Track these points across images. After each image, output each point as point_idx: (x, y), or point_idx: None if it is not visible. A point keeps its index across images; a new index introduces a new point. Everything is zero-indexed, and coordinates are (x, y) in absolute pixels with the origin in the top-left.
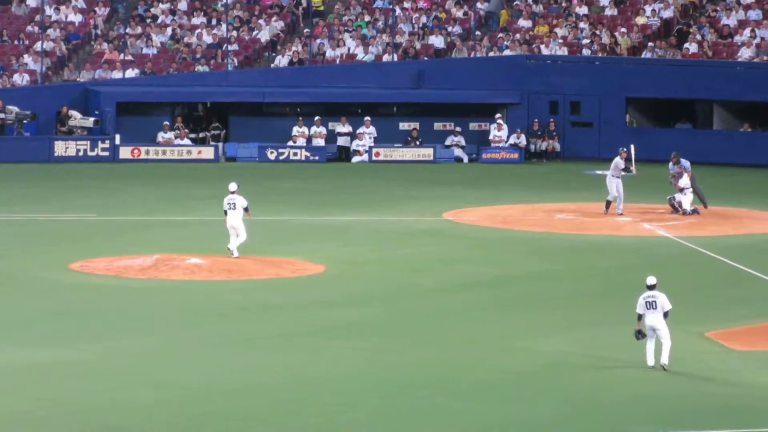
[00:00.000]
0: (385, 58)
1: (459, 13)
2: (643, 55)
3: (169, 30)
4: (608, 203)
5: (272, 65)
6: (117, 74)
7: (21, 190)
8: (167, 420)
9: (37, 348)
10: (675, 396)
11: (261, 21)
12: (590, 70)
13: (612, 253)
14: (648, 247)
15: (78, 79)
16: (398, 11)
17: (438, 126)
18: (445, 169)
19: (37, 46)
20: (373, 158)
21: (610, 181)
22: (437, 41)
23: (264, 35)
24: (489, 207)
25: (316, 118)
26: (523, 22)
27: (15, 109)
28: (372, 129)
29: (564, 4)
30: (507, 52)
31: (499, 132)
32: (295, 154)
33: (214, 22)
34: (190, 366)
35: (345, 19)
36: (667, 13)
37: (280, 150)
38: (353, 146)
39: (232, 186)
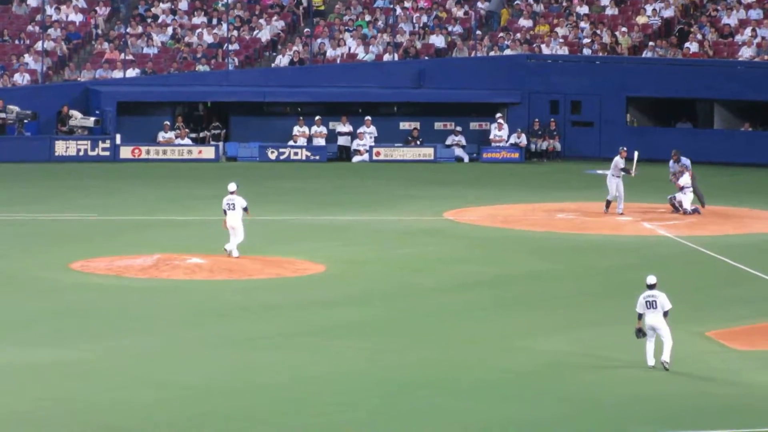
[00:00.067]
0: (386, 57)
1: (460, 13)
2: (643, 55)
3: (169, 29)
4: (608, 203)
5: (273, 65)
6: (118, 74)
7: (21, 190)
8: (168, 420)
9: (37, 348)
10: (675, 396)
11: (262, 21)
12: (591, 70)
13: (612, 253)
14: (648, 246)
15: (79, 79)
16: (399, 11)
17: (438, 126)
18: (446, 168)
19: (38, 45)
20: (374, 158)
21: (611, 180)
22: (438, 41)
23: (265, 35)
24: (489, 207)
25: (317, 117)
26: (524, 22)
27: (16, 108)
28: (372, 129)
29: (565, 4)
30: (508, 52)
31: (499, 131)
32: (296, 153)
33: (214, 21)
34: (190, 366)
35: (345, 18)
36: (668, 13)
37: (281, 150)
38: (354, 146)
39: (232, 186)
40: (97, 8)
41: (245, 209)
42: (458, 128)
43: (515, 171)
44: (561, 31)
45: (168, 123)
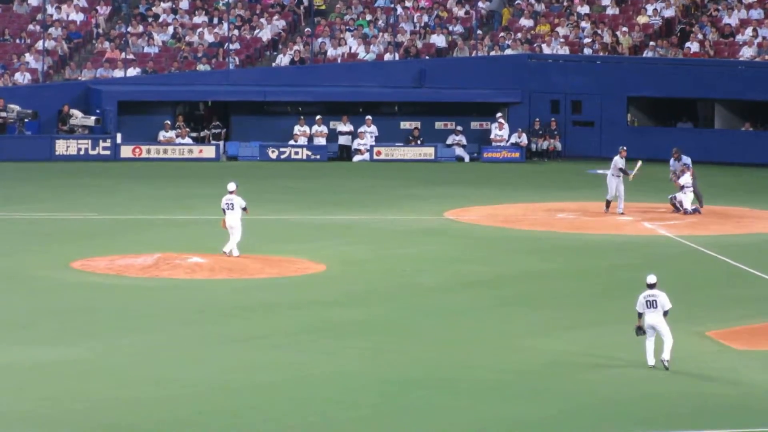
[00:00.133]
0: (387, 57)
1: (460, 12)
2: (644, 55)
3: (170, 29)
4: (608, 202)
5: (273, 64)
6: (118, 73)
7: (22, 189)
8: (168, 418)
9: (38, 347)
10: (675, 396)
11: (262, 20)
12: (592, 70)
13: (613, 253)
14: (649, 246)
15: (79, 78)
16: (399, 10)
17: (439, 125)
18: (447, 168)
19: (39, 44)
20: (375, 157)
21: (610, 180)
22: (439, 40)
23: (265, 34)
24: (490, 206)
25: (318, 117)
26: (525, 21)
27: (16, 107)
28: (373, 128)
29: (565, 3)
30: (508, 52)
31: (500, 131)
32: (297, 153)
33: (215, 20)
34: (191, 364)
35: (346, 18)
36: (669, 13)
37: (282, 149)
38: (354, 145)
39: (231, 186)
40: (98, 7)
41: (244, 209)
42: (459, 128)
43: (516, 171)
44: (562, 30)
45: (169, 122)
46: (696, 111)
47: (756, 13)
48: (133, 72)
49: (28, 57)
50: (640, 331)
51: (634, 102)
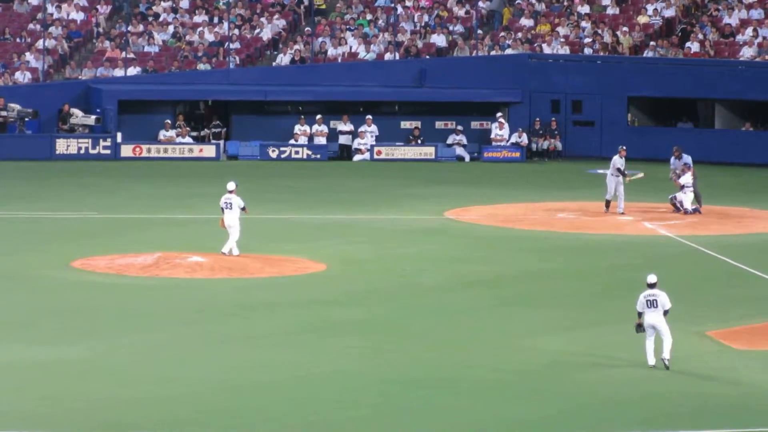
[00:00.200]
0: (387, 56)
1: (461, 12)
2: (644, 54)
3: (170, 28)
4: (608, 202)
5: (274, 63)
6: (119, 72)
7: (22, 188)
8: (169, 417)
9: (38, 346)
10: (675, 396)
11: (263, 19)
12: (592, 69)
13: (613, 253)
14: (649, 246)
15: (80, 77)
16: (400, 10)
17: (440, 125)
18: (447, 167)
19: (39, 43)
20: (375, 157)
21: (610, 180)
22: (439, 40)
23: (266, 33)
24: (490, 206)
25: (318, 116)
26: (525, 21)
27: (17, 106)
28: (374, 127)
29: (566, 3)
30: (509, 51)
31: (500, 131)
32: (297, 152)
33: (216, 20)
34: (191, 364)
35: (347, 17)
36: (669, 12)
37: (282, 148)
38: (355, 145)
39: (230, 185)
40: (99, 6)
41: (243, 209)
42: (459, 127)
43: (516, 170)
44: (562, 30)
45: (169, 121)
46: (696, 111)
47: (756, 13)
48: (133, 71)
49: (29, 56)
50: (640, 328)
51: (635, 102)
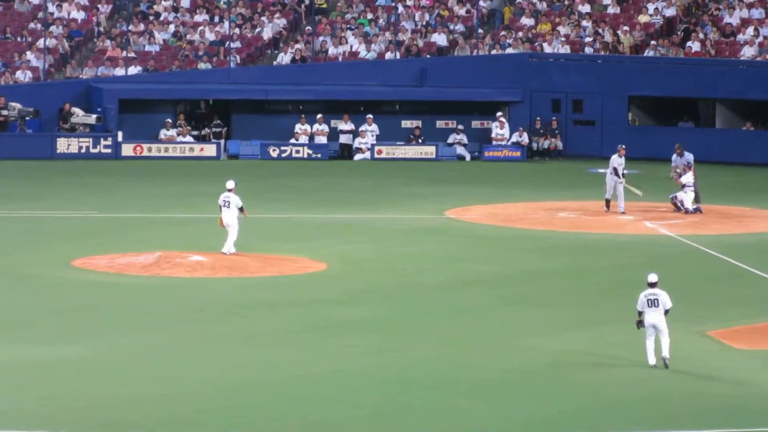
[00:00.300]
0: (388, 55)
1: (462, 11)
2: (645, 54)
3: (171, 27)
4: (608, 202)
5: (275, 63)
6: (119, 71)
7: (23, 187)
8: (169, 416)
9: (38, 345)
10: (675, 395)
11: (264, 18)
12: (593, 69)
13: (614, 252)
14: (650, 245)
15: (80, 76)
16: (401, 9)
17: (440, 124)
18: (448, 167)
19: (40, 43)
20: (376, 156)
21: (609, 179)
22: (440, 39)
23: (267, 33)
24: (491, 205)
25: (319, 115)
26: (526, 20)
27: (18, 105)
28: (374, 127)
29: (567, 2)
30: (510, 50)
31: (501, 130)
32: (298, 151)
33: (216, 19)
34: (192, 363)
35: (347, 16)
36: (670, 12)
37: (283, 147)
38: (355, 144)
39: (230, 184)
40: (99, 6)
41: (241, 209)
42: (460, 126)
43: (517, 170)
44: (563, 29)
45: (170, 120)
46: (697, 110)
47: (757, 13)
48: (134, 70)
49: (30, 55)
50: (641, 324)
51: (635, 101)
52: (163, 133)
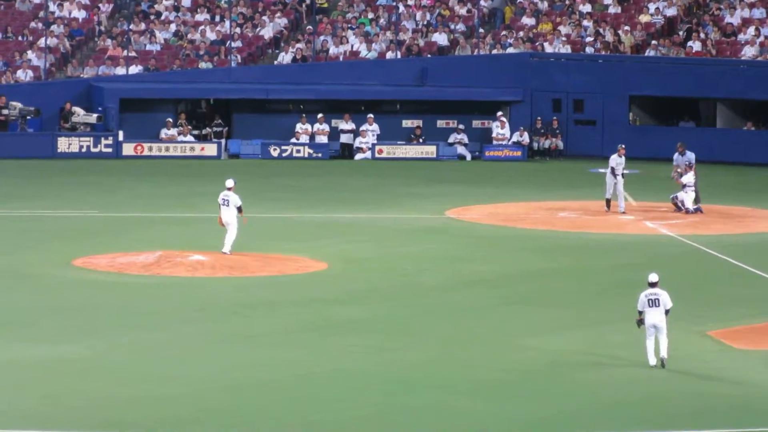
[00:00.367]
0: (389, 55)
1: (462, 11)
2: (646, 54)
3: (172, 26)
4: (608, 201)
5: (275, 62)
6: (120, 70)
7: (24, 187)
8: (170, 416)
9: (39, 344)
10: (675, 395)
11: (264, 18)
12: (594, 68)
13: (615, 252)
14: (651, 245)
15: (81, 76)
16: (402, 8)
17: (441, 123)
18: (448, 166)
19: (41, 42)
20: (376, 156)
21: (609, 178)
22: (441, 38)
23: (267, 32)
24: (491, 205)
25: (320, 115)
26: (527, 20)
27: (18, 105)
28: (375, 126)
29: (567, 2)
30: (510, 50)
31: (502, 130)
32: (298, 151)
33: (217, 18)
34: (192, 362)
35: (348, 16)
36: (671, 11)
37: (283, 147)
38: (356, 143)
39: (229, 182)
40: (100, 5)
41: (239, 209)
42: (461, 126)
43: (517, 169)
44: (564, 29)
45: (170, 120)
46: (698, 110)
47: (758, 12)
48: (135, 69)
49: (31, 54)
50: (641, 323)
51: (636, 101)
52: (164, 133)
